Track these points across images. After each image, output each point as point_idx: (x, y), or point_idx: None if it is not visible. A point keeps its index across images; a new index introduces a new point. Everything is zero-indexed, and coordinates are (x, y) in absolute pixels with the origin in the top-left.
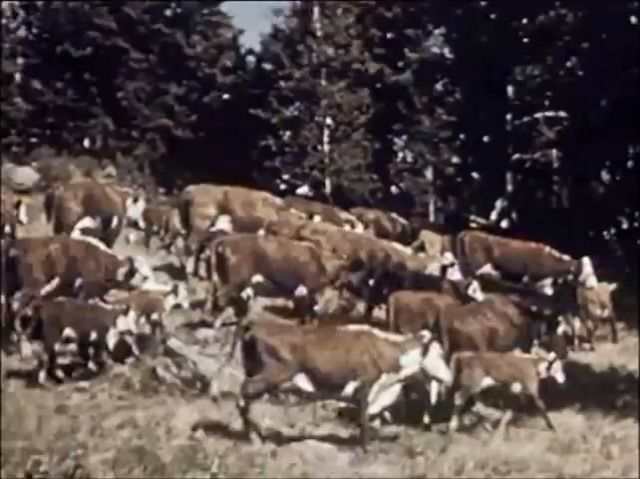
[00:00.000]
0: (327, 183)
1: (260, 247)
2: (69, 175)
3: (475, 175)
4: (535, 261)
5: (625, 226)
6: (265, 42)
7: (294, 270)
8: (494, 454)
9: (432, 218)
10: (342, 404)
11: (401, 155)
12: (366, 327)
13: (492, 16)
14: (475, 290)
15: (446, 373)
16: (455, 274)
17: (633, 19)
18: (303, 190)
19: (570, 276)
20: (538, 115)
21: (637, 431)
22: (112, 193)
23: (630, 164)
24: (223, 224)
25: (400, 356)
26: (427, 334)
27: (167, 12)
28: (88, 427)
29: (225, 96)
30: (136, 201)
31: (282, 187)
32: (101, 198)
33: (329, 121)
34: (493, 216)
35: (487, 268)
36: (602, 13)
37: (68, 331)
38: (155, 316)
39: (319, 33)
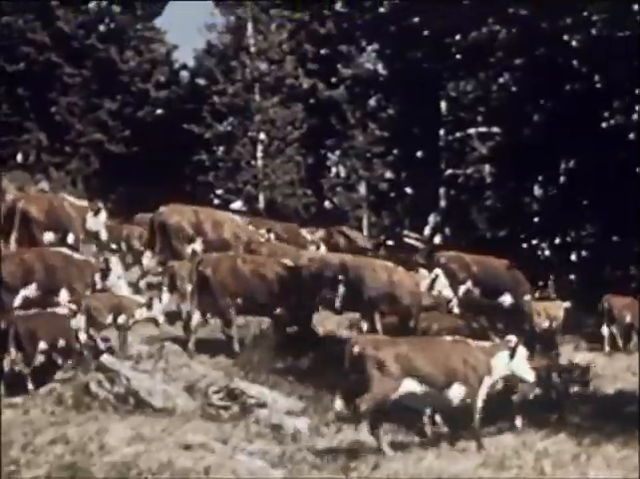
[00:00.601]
0: (260, 198)
1: (239, 267)
2: (1, 190)
3: (408, 190)
4: (513, 278)
5: (558, 240)
6: (199, 57)
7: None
8: (427, 470)
9: (365, 232)
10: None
11: (334, 170)
12: (457, 337)
13: (426, 32)
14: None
15: (530, 374)
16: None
17: (566, 36)
18: (237, 205)
19: None
20: (471, 130)
21: (569, 446)
22: (69, 206)
23: (562, 179)
24: (196, 244)
25: (490, 360)
26: (513, 338)
27: (101, 27)
28: (20, 443)
29: (159, 111)
30: (97, 213)
31: (216, 202)
32: (60, 211)
33: (262, 136)
34: (427, 231)
35: (467, 286)
36: (535, 29)
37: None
38: (121, 320)
39: (252, 49)
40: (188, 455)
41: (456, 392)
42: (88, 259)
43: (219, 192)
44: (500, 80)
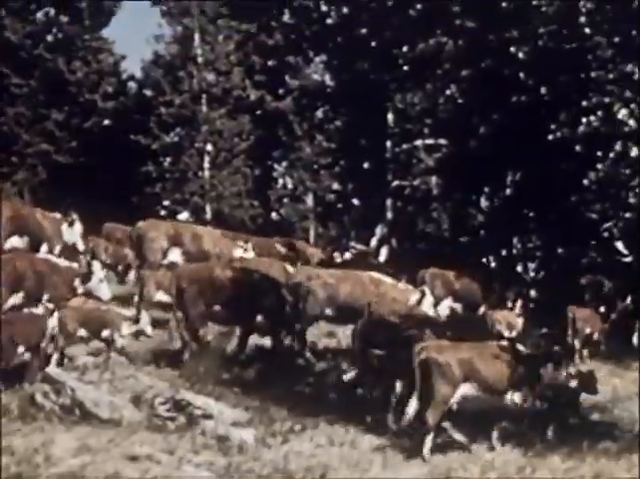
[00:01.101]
0: (207, 209)
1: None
2: None
3: (355, 201)
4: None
5: (504, 252)
6: (146, 68)
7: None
8: None
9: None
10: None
11: (281, 181)
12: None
13: (373, 43)
14: None
15: None
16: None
17: (512, 48)
18: (183, 216)
19: None
20: (418, 142)
21: (515, 458)
22: (41, 217)
23: (509, 191)
24: (175, 256)
25: None
26: None
27: (49, 37)
28: None
29: (106, 122)
30: (71, 224)
31: (162, 213)
32: (28, 218)
33: (210, 147)
34: (373, 242)
35: (449, 302)
36: (482, 41)
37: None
38: (105, 333)
39: (200, 59)
40: (135, 466)
41: (510, 397)
42: (71, 265)
43: (166, 203)
44: (447, 92)
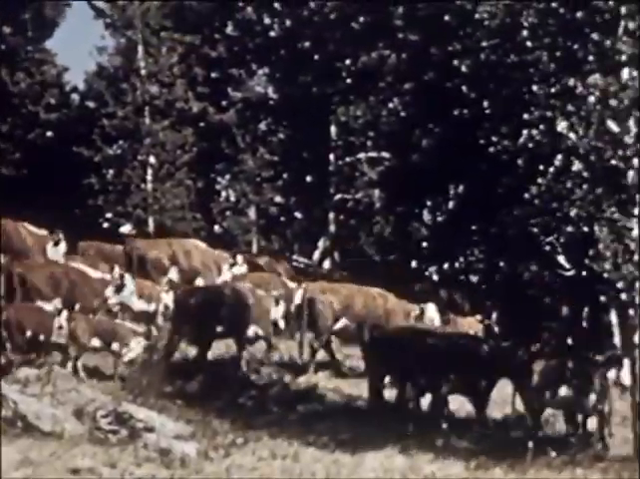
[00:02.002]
0: (150, 221)
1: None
2: None
3: (297, 214)
4: None
5: (447, 265)
6: (89, 80)
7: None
8: None
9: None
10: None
11: (224, 194)
12: None
13: (316, 56)
14: None
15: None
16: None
17: (455, 61)
18: (126, 228)
19: None
20: (361, 155)
21: (457, 470)
22: (27, 234)
23: (452, 204)
24: (173, 274)
25: None
26: None
27: None
28: None
29: (49, 133)
30: (57, 244)
31: (105, 225)
32: (12, 235)
33: (152, 160)
34: (316, 255)
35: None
36: (424, 54)
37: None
38: (115, 346)
39: (143, 72)
40: None
41: None
42: (103, 277)
43: (109, 215)
44: (390, 105)
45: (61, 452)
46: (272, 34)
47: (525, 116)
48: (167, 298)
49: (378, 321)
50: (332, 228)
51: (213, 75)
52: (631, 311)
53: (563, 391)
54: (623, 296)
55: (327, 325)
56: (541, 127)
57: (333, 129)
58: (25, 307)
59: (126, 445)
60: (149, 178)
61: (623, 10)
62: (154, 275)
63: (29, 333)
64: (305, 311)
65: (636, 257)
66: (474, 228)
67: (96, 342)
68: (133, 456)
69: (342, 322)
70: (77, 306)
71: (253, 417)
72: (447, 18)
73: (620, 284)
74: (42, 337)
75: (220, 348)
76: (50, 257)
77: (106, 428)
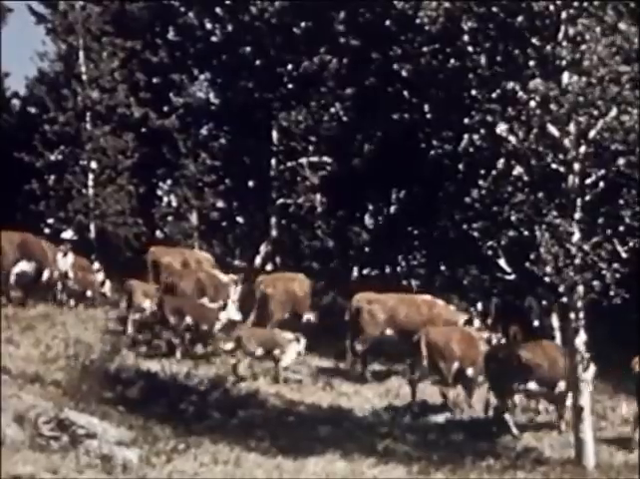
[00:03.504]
0: (91, 227)
1: None
2: None
3: (239, 219)
4: None
5: (388, 270)
6: (30, 85)
7: None
8: None
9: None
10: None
11: (165, 199)
12: None
13: (257, 62)
14: None
15: None
16: None
17: (396, 66)
18: (67, 234)
19: None
20: (303, 160)
21: (399, 474)
22: (45, 246)
23: (393, 209)
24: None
25: None
26: None
27: None
28: None
29: None
30: (65, 254)
31: (47, 231)
32: (35, 246)
33: (94, 165)
34: (258, 260)
35: None
36: (366, 59)
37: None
38: (276, 352)
39: (84, 77)
40: None
41: None
42: (229, 279)
43: (50, 221)
44: (332, 110)
45: (2, 459)
46: (213, 39)
47: (466, 120)
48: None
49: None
50: (274, 232)
51: (155, 80)
52: (572, 315)
53: None
54: (564, 300)
55: (373, 335)
56: (482, 131)
57: (274, 134)
58: (189, 301)
59: (67, 452)
60: (90, 183)
61: (563, 15)
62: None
63: (189, 320)
64: (351, 320)
65: (576, 261)
66: (415, 232)
67: (259, 351)
68: (74, 462)
69: (387, 332)
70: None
71: (194, 423)
72: (387, 23)
73: (561, 288)
74: (205, 328)
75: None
76: (60, 267)
77: (47, 434)
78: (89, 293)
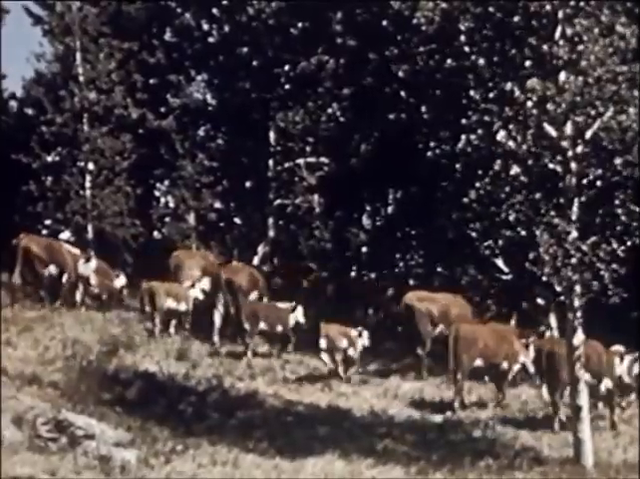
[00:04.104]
0: (89, 228)
1: None
2: None
3: (237, 220)
4: None
5: (386, 271)
6: (27, 87)
7: None
8: None
9: None
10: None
11: (163, 200)
12: None
13: (254, 62)
14: None
15: None
16: None
17: (393, 67)
18: (65, 235)
19: None
20: (300, 160)
21: (398, 474)
22: (66, 253)
23: (391, 209)
24: (205, 284)
25: None
26: None
27: None
28: None
29: None
30: (88, 260)
31: (44, 232)
32: (58, 251)
33: (91, 166)
34: (256, 261)
35: None
36: (363, 60)
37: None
38: (351, 352)
39: (81, 78)
40: None
41: None
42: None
43: (48, 222)
44: (329, 110)
45: (1, 460)
46: (211, 40)
47: (463, 121)
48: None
49: None
50: (271, 233)
51: (152, 81)
52: (570, 315)
53: None
54: (562, 299)
55: (427, 331)
56: (479, 131)
57: (272, 134)
58: (262, 305)
59: (65, 453)
60: (87, 184)
61: (560, 15)
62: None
63: (263, 325)
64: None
65: (574, 261)
66: (413, 232)
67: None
68: (72, 464)
69: (439, 329)
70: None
71: (193, 424)
72: (384, 24)
73: (559, 288)
74: (279, 329)
75: (160, 354)
76: (81, 272)
77: (45, 436)
78: (104, 297)
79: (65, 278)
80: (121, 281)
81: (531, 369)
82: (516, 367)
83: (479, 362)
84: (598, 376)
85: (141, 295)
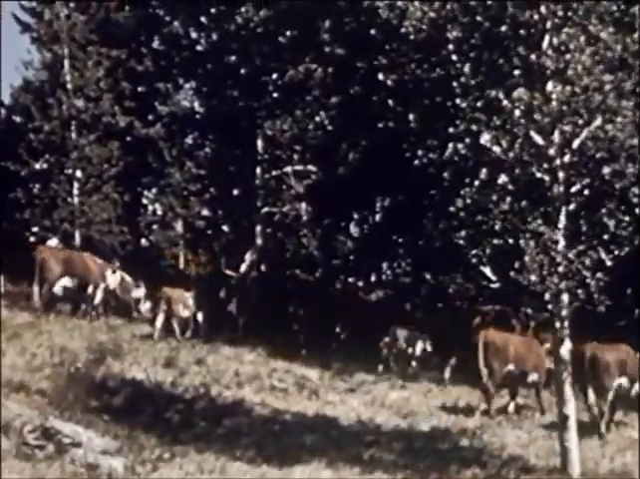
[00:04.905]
0: (77, 235)
1: None
2: None
3: (225, 228)
4: None
5: (374, 278)
6: (15, 94)
7: None
8: None
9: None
10: None
11: (151, 207)
12: None
13: (242, 70)
14: None
15: None
16: None
17: (381, 75)
18: (53, 242)
19: None
20: (288, 169)
21: None
22: (89, 261)
23: (378, 217)
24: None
25: None
26: None
27: None
28: None
29: None
30: (114, 272)
31: (32, 239)
32: (77, 262)
33: (79, 173)
34: (243, 268)
35: None
36: (351, 68)
37: None
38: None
39: (69, 86)
40: None
41: None
42: None
43: (35, 229)
44: (317, 118)
45: None
46: (199, 48)
47: (451, 129)
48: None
49: None
50: (259, 241)
51: (140, 89)
52: (557, 324)
53: None
54: (549, 308)
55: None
56: (467, 140)
57: (260, 142)
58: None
59: (53, 460)
60: (75, 191)
61: (548, 24)
62: None
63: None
64: None
65: (561, 269)
66: (400, 240)
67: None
68: (59, 472)
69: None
70: None
71: (180, 432)
72: (373, 32)
73: (546, 296)
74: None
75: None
76: (108, 284)
77: (32, 443)
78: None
79: (91, 289)
80: (139, 292)
81: None
82: (544, 373)
83: (510, 368)
84: (633, 380)
85: (157, 301)
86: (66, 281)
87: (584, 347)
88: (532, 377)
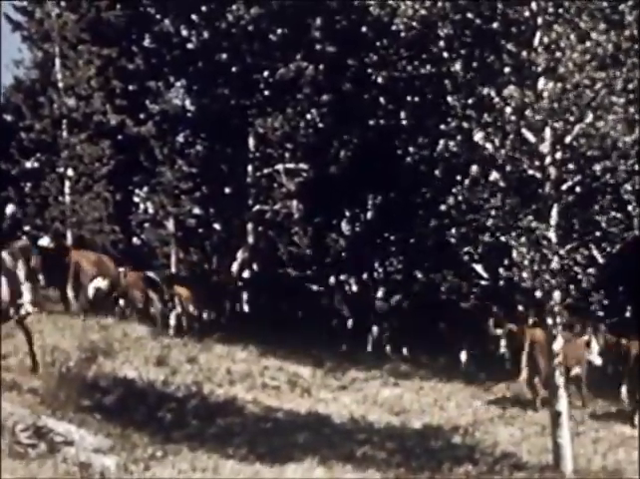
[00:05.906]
0: (68, 234)
1: None
2: None
3: (216, 226)
4: None
5: (365, 276)
6: (6, 93)
7: None
8: None
9: (173, 269)
10: None
11: (142, 206)
12: None
13: (234, 68)
14: None
15: None
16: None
17: (372, 72)
18: (44, 241)
19: None
20: (279, 166)
21: None
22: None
23: (370, 215)
24: None
25: None
26: None
27: None
28: None
29: None
30: (125, 275)
31: (24, 238)
32: (107, 264)
33: (70, 172)
34: (235, 267)
35: None
36: (342, 66)
37: None
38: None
39: (60, 84)
40: None
41: None
42: None
43: (27, 228)
44: (308, 116)
45: None
46: (190, 46)
47: (442, 126)
48: None
49: None
50: (250, 239)
51: (131, 87)
52: (550, 321)
53: None
54: (541, 305)
55: None
56: (458, 137)
57: (251, 140)
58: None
59: (45, 459)
60: (66, 190)
61: (539, 21)
62: None
63: None
64: None
65: (553, 266)
66: (392, 238)
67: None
68: (52, 470)
69: None
70: None
71: (172, 430)
72: (363, 30)
73: (538, 293)
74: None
75: (140, 361)
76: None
77: (25, 442)
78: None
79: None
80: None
81: (598, 362)
82: (585, 367)
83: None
84: None
85: (171, 298)
86: (98, 283)
87: (629, 344)
88: (575, 371)
